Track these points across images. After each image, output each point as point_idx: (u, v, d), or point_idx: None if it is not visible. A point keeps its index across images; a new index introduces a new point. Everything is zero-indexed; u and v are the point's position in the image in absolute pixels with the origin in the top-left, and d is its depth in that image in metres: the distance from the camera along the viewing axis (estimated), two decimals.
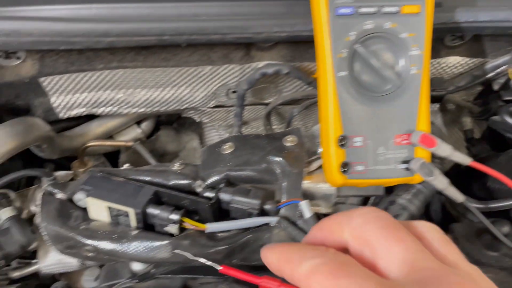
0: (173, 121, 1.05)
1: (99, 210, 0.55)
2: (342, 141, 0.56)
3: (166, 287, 0.55)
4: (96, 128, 0.84)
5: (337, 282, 0.27)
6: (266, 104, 0.85)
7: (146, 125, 0.91)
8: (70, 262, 0.61)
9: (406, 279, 0.27)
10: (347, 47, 0.55)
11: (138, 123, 0.91)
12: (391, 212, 0.59)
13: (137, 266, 0.56)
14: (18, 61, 0.68)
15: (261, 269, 0.56)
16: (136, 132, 0.89)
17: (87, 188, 0.55)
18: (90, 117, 0.85)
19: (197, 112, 0.89)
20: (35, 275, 0.64)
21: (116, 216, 0.55)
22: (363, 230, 0.30)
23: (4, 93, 0.70)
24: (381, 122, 0.55)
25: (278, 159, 0.59)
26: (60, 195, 0.57)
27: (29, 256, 0.67)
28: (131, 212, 0.54)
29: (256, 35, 0.62)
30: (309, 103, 0.78)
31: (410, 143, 0.56)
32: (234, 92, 0.80)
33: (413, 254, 0.28)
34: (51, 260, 0.61)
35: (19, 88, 0.71)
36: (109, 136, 0.87)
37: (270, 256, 0.34)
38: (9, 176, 0.58)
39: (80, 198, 0.55)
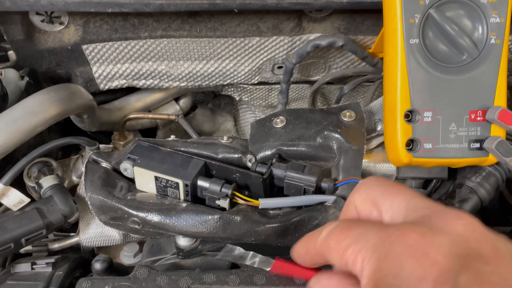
0: (208, 101, 1.02)
1: (146, 180, 0.52)
2: (410, 116, 0.51)
3: (214, 265, 0.52)
4: (135, 102, 0.81)
5: (349, 234, 0.30)
6: (312, 82, 0.81)
7: (184, 102, 0.88)
8: (112, 236, 0.58)
9: (409, 219, 0.30)
10: (420, 11, 0.50)
11: (176, 99, 0.88)
12: (459, 196, 0.55)
13: (183, 242, 0.53)
14: (61, 27, 0.65)
15: None
16: (174, 108, 0.86)
17: (134, 158, 0.52)
18: (128, 92, 0.82)
19: (237, 89, 0.86)
20: (74, 248, 0.62)
21: (164, 188, 0.52)
22: (368, 192, 0.34)
23: (46, 60, 0.68)
24: (455, 96, 0.51)
25: (335, 134, 0.54)
26: (105, 164, 0.55)
27: (67, 229, 0.65)
28: (181, 183, 0.50)
29: (315, 1, 0.58)
30: (360, 81, 0.74)
31: (485, 120, 0.51)
32: (280, 67, 0.76)
33: (413, 199, 0.32)
34: (92, 233, 0.58)
35: (61, 55, 0.68)
36: (148, 111, 0.84)
37: (298, 247, 0.37)
38: (53, 142, 0.55)
39: (126, 167, 0.52)
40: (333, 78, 0.74)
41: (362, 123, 0.56)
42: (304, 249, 0.36)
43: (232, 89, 0.86)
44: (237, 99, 0.89)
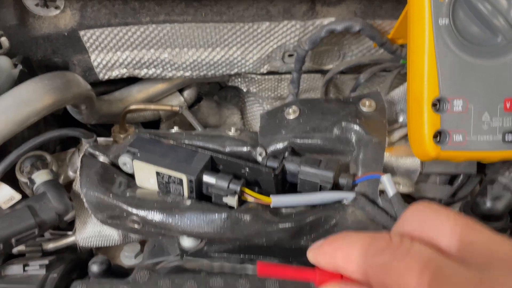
0: (214, 93, 0.98)
1: (146, 176, 0.48)
2: (438, 105, 0.46)
3: (221, 268, 0.47)
4: (136, 93, 0.76)
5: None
6: (325, 72, 0.76)
7: (188, 93, 0.84)
8: (110, 235, 0.54)
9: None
10: None
11: (181, 91, 0.84)
12: (491, 194, 0.50)
13: (187, 243, 0.49)
14: (57, 11, 0.61)
15: None
16: (178, 100, 0.81)
17: (133, 151, 0.48)
18: (130, 83, 0.78)
19: (245, 80, 0.81)
20: (71, 248, 0.58)
21: (166, 184, 0.47)
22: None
23: (41, 47, 0.64)
24: (488, 82, 0.45)
25: (354, 125, 0.50)
26: (102, 158, 0.50)
27: (65, 228, 0.60)
28: (185, 179, 0.46)
29: None
30: (377, 69, 0.69)
31: None
32: (290, 55, 0.71)
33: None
34: (90, 232, 0.54)
35: (57, 42, 0.64)
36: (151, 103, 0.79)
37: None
38: (46, 134, 0.51)
39: (125, 161, 0.48)
40: (348, 67, 0.69)
41: (384, 114, 0.51)
42: (330, 260, 0.29)
43: (239, 79, 0.81)
44: (245, 90, 0.84)
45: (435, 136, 0.46)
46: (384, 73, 0.74)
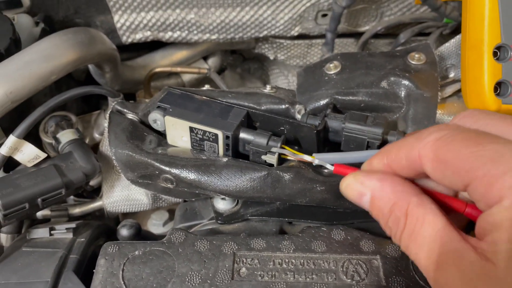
0: (237, 65, 0.94)
1: (179, 133, 0.44)
2: (498, 54, 0.42)
3: (259, 231, 0.44)
4: (160, 59, 0.73)
5: (479, 149, 0.24)
6: (359, 35, 0.71)
7: (213, 61, 0.80)
8: (139, 200, 0.51)
9: None
10: None
11: (205, 59, 0.80)
12: None
13: (222, 205, 0.45)
14: None
15: None
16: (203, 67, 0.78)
17: (164, 106, 0.45)
18: (153, 50, 0.75)
19: (272, 45, 0.77)
20: (97, 216, 0.55)
21: (200, 141, 0.44)
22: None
23: (63, 5, 0.61)
24: None
25: (403, 80, 0.45)
26: (131, 115, 0.47)
27: (89, 196, 0.58)
28: (220, 135, 0.43)
29: None
30: (419, 29, 0.64)
31: None
32: (324, 15, 0.67)
33: None
34: (117, 196, 0.51)
35: (79, 1, 0.61)
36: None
37: (378, 156, 0.32)
38: (72, 91, 0.48)
39: (156, 117, 0.45)
40: (386, 27, 0.64)
41: (435, 67, 0.46)
42: (390, 157, 0.29)
43: (267, 45, 0.77)
44: (271, 58, 0.80)
45: (494, 90, 0.42)
46: (422, 37, 0.70)
